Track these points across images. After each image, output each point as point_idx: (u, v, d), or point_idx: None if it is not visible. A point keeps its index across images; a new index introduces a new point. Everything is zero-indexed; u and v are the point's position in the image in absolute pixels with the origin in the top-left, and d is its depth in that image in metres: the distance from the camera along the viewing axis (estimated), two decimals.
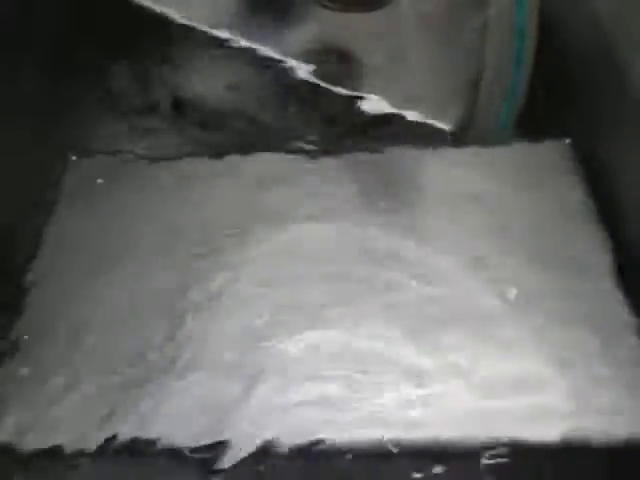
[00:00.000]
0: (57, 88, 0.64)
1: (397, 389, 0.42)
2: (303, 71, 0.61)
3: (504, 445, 0.40)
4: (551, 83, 0.59)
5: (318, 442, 0.40)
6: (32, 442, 0.41)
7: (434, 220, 0.51)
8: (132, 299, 0.47)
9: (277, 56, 0.61)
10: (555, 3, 0.57)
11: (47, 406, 0.42)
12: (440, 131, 0.58)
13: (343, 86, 0.60)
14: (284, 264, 0.48)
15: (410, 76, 0.60)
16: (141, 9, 0.64)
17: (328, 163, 0.54)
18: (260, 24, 0.63)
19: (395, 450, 0.40)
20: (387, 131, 0.59)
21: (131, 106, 0.65)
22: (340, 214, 0.51)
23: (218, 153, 0.56)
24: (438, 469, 0.39)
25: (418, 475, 0.39)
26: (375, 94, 0.59)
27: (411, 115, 0.58)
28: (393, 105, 0.59)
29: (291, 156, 0.55)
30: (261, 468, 0.40)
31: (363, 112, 0.59)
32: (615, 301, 0.45)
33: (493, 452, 0.40)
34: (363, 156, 0.55)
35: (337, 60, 0.61)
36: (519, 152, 0.54)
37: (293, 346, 0.44)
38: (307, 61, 0.61)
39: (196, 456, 0.40)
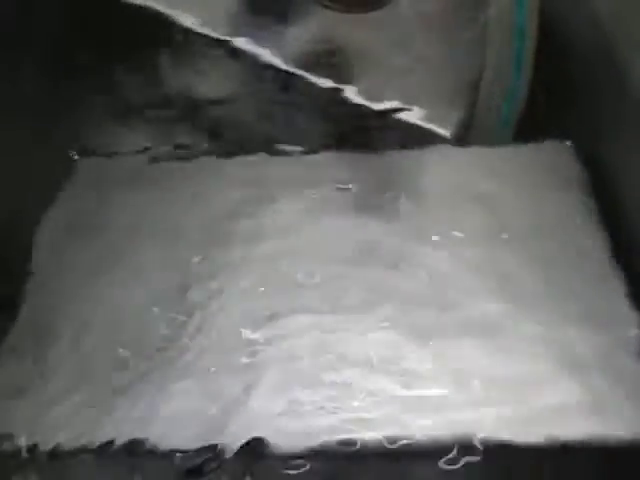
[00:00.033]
0: (57, 88, 0.64)
1: (396, 390, 0.42)
2: (302, 71, 0.61)
3: (503, 445, 0.40)
4: (551, 83, 0.59)
5: (318, 444, 0.40)
6: (31, 442, 0.41)
7: (434, 221, 0.51)
8: (132, 299, 0.47)
9: (277, 56, 0.61)
10: (555, 3, 0.57)
11: (47, 406, 0.42)
12: (440, 131, 0.58)
13: (343, 86, 0.60)
14: (284, 264, 0.48)
15: (410, 76, 0.60)
16: (141, 10, 0.64)
17: (328, 163, 0.54)
18: (260, 24, 0.63)
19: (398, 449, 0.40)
20: (387, 131, 0.59)
21: (131, 106, 0.65)
22: (339, 214, 0.51)
23: (218, 153, 0.56)
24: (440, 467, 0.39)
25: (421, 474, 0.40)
26: (375, 94, 0.59)
27: (411, 115, 0.58)
28: (393, 105, 0.59)
29: (290, 156, 0.55)
30: (257, 470, 0.40)
31: (362, 112, 0.59)
32: (616, 301, 0.45)
33: (492, 452, 0.40)
34: (362, 156, 0.55)
35: (337, 60, 0.61)
36: (519, 152, 0.54)
37: (292, 347, 0.44)
38: (307, 61, 0.61)
39: (191, 458, 0.40)
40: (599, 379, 0.42)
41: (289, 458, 0.39)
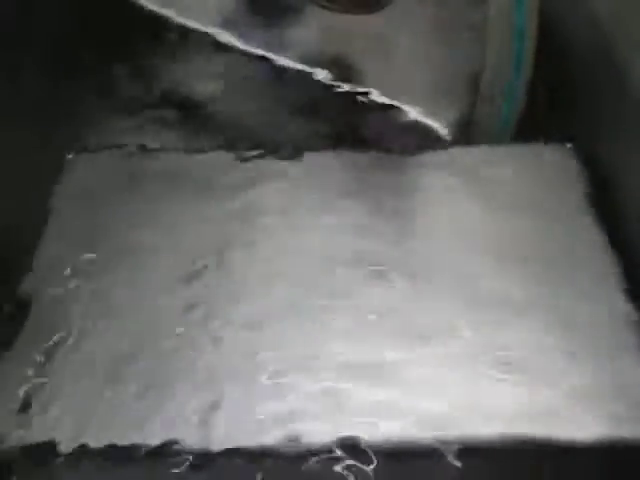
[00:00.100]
0: (57, 88, 0.64)
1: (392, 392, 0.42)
2: (301, 71, 0.61)
3: (503, 445, 0.40)
4: (551, 84, 0.59)
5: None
6: (30, 442, 0.41)
7: (433, 221, 0.51)
8: (132, 297, 0.47)
9: (276, 57, 0.61)
10: (554, 3, 0.57)
11: (46, 406, 0.42)
12: (439, 131, 0.58)
13: (342, 86, 0.60)
14: (284, 262, 0.48)
15: (410, 76, 0.60)
16: (142, 10, 0.64)
17: (326, 163, 0.54)
18: (259, 25, 0.63)
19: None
20: (386, 131, 0.59)
21: (131, 106, 0.65)
22: (339, 214, 0.51)
23: (218, 152, 0.56)
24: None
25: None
26: (374, 94, 0.59)
27: (410, 115, 0.58)
28: (392, 105, 0.59)
29: (288, 155, 0.55)
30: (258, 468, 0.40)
31: (362, 112, 0.59)
32: (616, 302, 0.45)
33: (491, 453, 0.40)
34: (361, 156, 0.55)
35: (336, 60, 0.61)
36: (519, 153, 0.54)
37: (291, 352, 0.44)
38: (305, 62, 0.61)
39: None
40: (598, 379, 0.42)
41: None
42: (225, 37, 0.63)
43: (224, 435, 0.40)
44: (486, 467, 0.40)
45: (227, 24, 0.64)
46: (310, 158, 0.55)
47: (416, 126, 0.58)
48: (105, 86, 0.65)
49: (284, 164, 0.54)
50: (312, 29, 0.63)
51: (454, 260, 0.48)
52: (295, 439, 0.40)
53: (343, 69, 0.60)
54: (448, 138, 0.57)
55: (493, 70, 0.56)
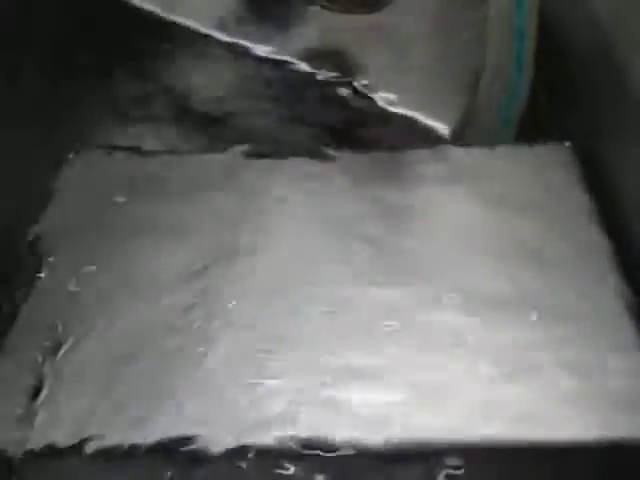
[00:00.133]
0: (57, 89, 0.64)
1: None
2: (302, 71, 0.61)
3: (502, 445, 0.40)
4: (551, 84, 0.59)
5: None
6: (30, 442, 0.41)
7: (433, 221, 0.51)
8: (131, 295, 0.47)
9: (276, 56, 0.61)
10: (555, 3, 0.57)
11: (46, 406, 0.42)
12: (440, 131, 0.58)
13: (342, 86, 0.60)
14: (284, 264, 0.48)
15: (410, 76, 0.60)
16: (141, 10, 0.64)
17: (326, 163, 0.54)
18: (259, 25, 0.63)
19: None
20: (386, 130, 0.59)
21: (131, 106, 0.65)
22: (339, 215, 0.51)
23: (218, 152, 0.56)
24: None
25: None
26: (374, 94, 0.59)
27: (411, 115, 0.58)
28: (392, 105, 0.59)
29: (288, 155, 0.55)
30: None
31: (362, 112, 0.59)
32: (615, 302, 0.45)
33: (491, 453, 0.40)
34: (362, 156, 0.55)
35: (336, 60, 0.61)
36: (519, 152, 0.54)
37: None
38: (306, 61, 0.61)
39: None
40: (598, 380, 0.42)
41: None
42: (225, 37, 0.63)
43: (224, 435, 0.40)
44: (486, 468, 0.40)
45: (227, 24, 0.64)
46: (310, 158, 0.55)
47: (416, 126, 0.58)
48: (105, 86, 0.65)
49: (283, 165, 0.54)
50: (312, 29, 0.63)
51: (453, 260, 0.48)
52: (297, 440, 0.40)
53: (343, 69, 0.60)
54: (448, 138, 0.57)
55: (493, 70, 0.56)
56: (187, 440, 0.40)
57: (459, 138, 0.57)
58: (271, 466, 0.39)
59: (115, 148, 0.56)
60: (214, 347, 0.44)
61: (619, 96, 0.51)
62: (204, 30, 0.63)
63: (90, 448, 0.40)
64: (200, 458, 0.40)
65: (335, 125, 0.60)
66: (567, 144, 0.54)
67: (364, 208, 0.51)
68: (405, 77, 0.60)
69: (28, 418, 0.42)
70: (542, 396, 0.41)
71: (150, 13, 0.64)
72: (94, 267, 0.49)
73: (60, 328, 0.46)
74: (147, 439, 0.40)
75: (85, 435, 0.41)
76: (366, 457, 0.39)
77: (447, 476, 0.39)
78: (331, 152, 0.55)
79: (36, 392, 0.43)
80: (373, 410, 0.41)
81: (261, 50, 0.62)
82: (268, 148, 0.55)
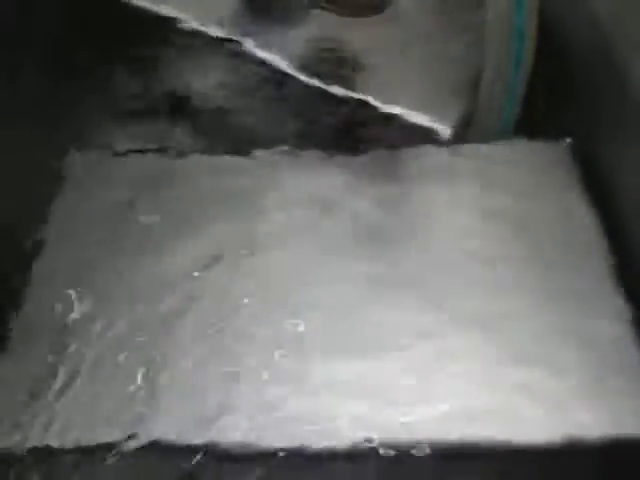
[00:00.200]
0: (57, 88, 0.64)
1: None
2: (302, 73, 0.61)
3: (502, 446, 0.40)
4: (551, 84, 0.59)
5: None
6: (29, 441, 0.41)
7: (434, 219, 0.51)
8: (131, 293, 0.47)
9: (277, 57, 0.61)
10: (554, 4, 0.57)
11: (46, 406, 0.42)
12: (440, 131, 0.58)
13: (342, 87, 0.60)
14: (284, 266, 0.49)
15: (410, 76, 0.60)
16: (141, 10, 0.64)
17: (327, 163, 0.54)
18: (260, 26, 0.63)
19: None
20: (386, 130, 0.59)
21: (131, 106, 0.65)
22: (339, 213, 0.51)
23: (216, 151, 0.56)
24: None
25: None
26: (375, 95, 0.59)
27: (411, 115, 0.58)
28: (392, 105, 0.59)
29: (288, 156, 0.55)
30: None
31: (363, 112, 0.60)
32: (614, 301, 0.45)
33: (489, 454, 0.40)
34: (362, 156, 0.55)
35: (336, 62, 0.61)
36: (519, 152, 0.54)
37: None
38: (307, 63, 0.61)
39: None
40: (598, 380, 0.42)
41: None
42: (226, 38, 0.63)
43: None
44: (486, 468, 0.40)
45: (228, 25, 0.64)
46: (311, 159, 0.55)
47: (416, 126, 0.58)
48: (104, 86, 0.65)
49: (283, 165, 0.54)
50: (313, 31, 0.63)
51: (453, 260, 0.48)
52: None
53: (344, 71, 0.61)
54: (449, 138, 0.57)
55: (493, 70, 0.56)
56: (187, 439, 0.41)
57: (459, 138, 0.57)
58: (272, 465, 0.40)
59: (115, 149, 0.56)
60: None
61: (618, 96, 0.51)
62: (204, 31, 0.63)
63: (90, 447, 0.41)
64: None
65: (335, 125, 0.60)
66: (567, 141, 0.54)
67: (363, 208, 0.51)
68: (405, 77, 0.60)
69: (28, 418, 0.42)
70: (541, 396, 0.41)
71: (150, 13, 0.64)
72: (94, 268, 0.49)
73: (60, 328, 0.46)
74: (147, 438, 0.41)
75: (85, 434, 0.41)
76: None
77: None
78: (331, 152, 0.55)
79: (36, 392, 0.43)
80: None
81: (261, 51, 0.62)
82: (267, 149, 0.55)
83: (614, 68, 0.51)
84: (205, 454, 0.40)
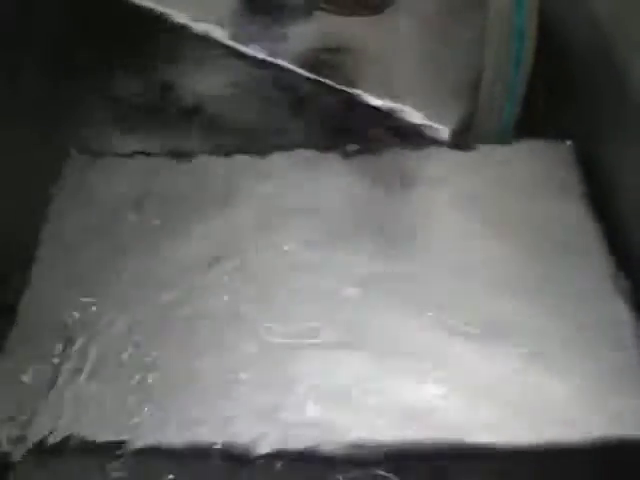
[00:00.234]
0: (57, 88, 0.64)
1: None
2: (302, 72, 0.61)
3: (502, 446, 0.40)
4: (551, 84, 0.59)
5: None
6: (30, 442, 0.41)
7: (434, 220, 0.51)
8: (130, 292, 0.47)
9: (276, 57, 0.61)
10: (554, 4, 0.57)
11: (46, 406, 0.42)
12: (440, 131, 0.58)
13: (342, 87, 0.60)
14: (285, 272, 0.48)
15: (410, 77, 0.60)
16: (141, 10, 0.64)
17: (327, 163, 0.54)
18: (260, 26, 0.63)
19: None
20: (387, 131, 0.59)
21: (131, 106, 0.65)
22: (339, 214, 0.51)
23: (218, 152, 0.56)
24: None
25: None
26: (375, 95, 0.59)
27: (411, 115, 0.58)
28: (392, 105, 0.59)
29: (289, 156, 0.55)
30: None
31: (362, 113, 0.59)
32: (615, 301, 0.45)
33: (489, 454, 0.40)
34: (362, 156, 0.55)
35: (336, 62, 0.61)
36: (519, 152, 0.54)
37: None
38: (306, 62, 0.61)
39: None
40: (598, 380, 0.42)
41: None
42: (226, 37, 0.63)
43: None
44: (486, 468, 0.40)
45: (228, 25, 0.64)
46: (311, 159, 0.55)
47: (417, 127, 0.58)
48: (105, 86, 0.65)
49: (284, 165, 0.54)
50: (313, 31, 0.63)
51: (453, 260, 0.48)
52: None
53: (344, 71, 0.60)
54: (449, 139, 0.57)
55: (493, 70, 0.56)
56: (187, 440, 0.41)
57: (460, 139, 0.57)
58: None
59: (115, 150, 0.56)
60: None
61: (618, 96, 0.51)
62: (204, 31, 0.63)
63: (90, 447, 0.41)
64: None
65: (335, 125, 0.60)
66: (568, 143, 0.54)
67: (362, 208, 0.51)
68: (406, 78, 0.60)
69: (28, 418, 0.42)
70: (541, 397, 0.41)
71: (150, 13, 0.64)
72: (94, 268, 0.49)
73: (60, 328, 0.46)
74: (145, 440, 0.41)
75: (85, 434, 0.41)
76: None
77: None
78: (330, 152, 0.55)
79: (36, 392, 0.43)
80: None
81: (261, 51, 0.62)
82: (266, 148, 0.55)
83: (614, 68, 0.51)
84: (205, 455, 0.40)
